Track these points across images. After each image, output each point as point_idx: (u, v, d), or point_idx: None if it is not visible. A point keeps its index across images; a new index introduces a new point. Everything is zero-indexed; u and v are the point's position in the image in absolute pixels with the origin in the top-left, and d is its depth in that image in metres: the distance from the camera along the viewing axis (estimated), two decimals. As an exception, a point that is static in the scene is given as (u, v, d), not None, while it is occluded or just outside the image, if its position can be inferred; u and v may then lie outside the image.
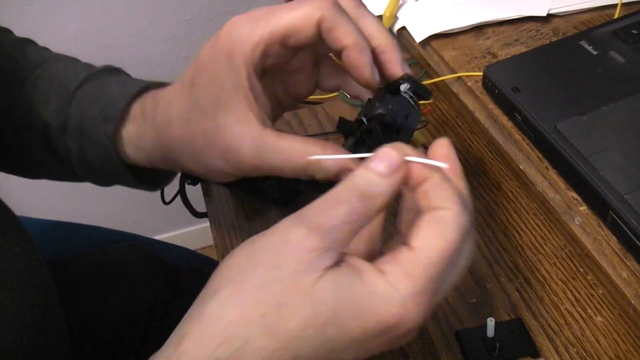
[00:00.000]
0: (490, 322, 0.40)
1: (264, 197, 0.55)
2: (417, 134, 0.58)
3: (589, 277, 0.44)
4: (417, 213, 0.32)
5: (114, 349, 0.65)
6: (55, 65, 0.51)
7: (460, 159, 0.34)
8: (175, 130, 0.41)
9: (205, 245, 1.54)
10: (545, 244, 0.47)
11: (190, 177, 0.54)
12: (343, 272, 0.30)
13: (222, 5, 1.30)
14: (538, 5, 0.61)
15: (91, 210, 1.15)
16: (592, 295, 0.43)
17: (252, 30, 0.37)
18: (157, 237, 0.86)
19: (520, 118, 0.50)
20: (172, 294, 0.69)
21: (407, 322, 0.29)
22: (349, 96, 0.62)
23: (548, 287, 0.44)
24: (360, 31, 0.37)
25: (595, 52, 0.53)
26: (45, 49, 0.54)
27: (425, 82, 0.61)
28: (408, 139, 0.38)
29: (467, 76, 0.57)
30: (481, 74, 0.55)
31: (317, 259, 0.29)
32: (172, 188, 0.57)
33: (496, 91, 0.53)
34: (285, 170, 0.39)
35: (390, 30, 0.66)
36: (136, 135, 0.45)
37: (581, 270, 0.45)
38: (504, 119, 0.53)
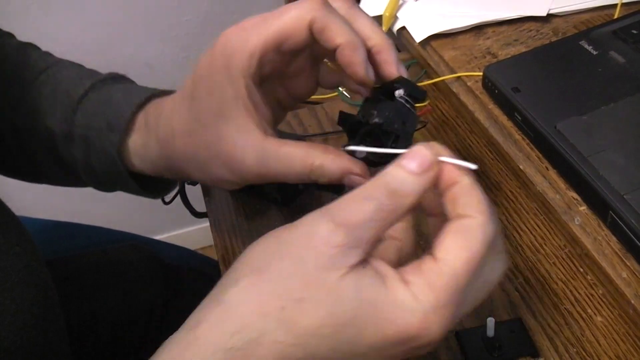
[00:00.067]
0: (490, 322, 0.40)
1: (264, 197, 0.55)
2: (417, 135, 0.58)
3: (589, 277, 0.44)
4: (442, 217, 0.31)
5: (114, 349, 0.65)
6: (59, 71, 0.51)
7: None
8: (178, 142, 0.42)
9: (205, 245, 1.53)
10: (545, 244, 0.47)
11: (190, 177, 0.55)
12: (367, 274, 0.29)
13: (223, 5, 1.30)
14: (538, 5, 0.61)
15: (91, 210, 1.15)
16: (592, 295, 0.43)
17: (246, 40, 0.38)
18: (157, 237, 0.86)
19: (520, 118, 0.50)
20: (172, 294, 0.69)
21: (428, 334, 0.29)
22: (349, 96, 0.62)
23: (548, 287, 0.44)
24: (353, 29, 0.37)
25: (595, 52, 0.53)
26: (49, 54, 0.54)
27: (425, 82, 0.61)
28: (408, 143, 0.38)
29: (467, 76, 0.57)
30: (481, 74, 0.55)
31: (341, 255, 0.29)
32: (172, 188, 0.57)
33: (496, 91, 0.53)
34: (289, 177, 0.39)
35: (390, 30, 0.66)
36: (141, 145, 0.46)
37: (581, 270, 0.45)
38: (503, 119, 0.53)
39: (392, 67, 0.39)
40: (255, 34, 0.38)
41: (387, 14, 0.65)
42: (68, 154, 0.49)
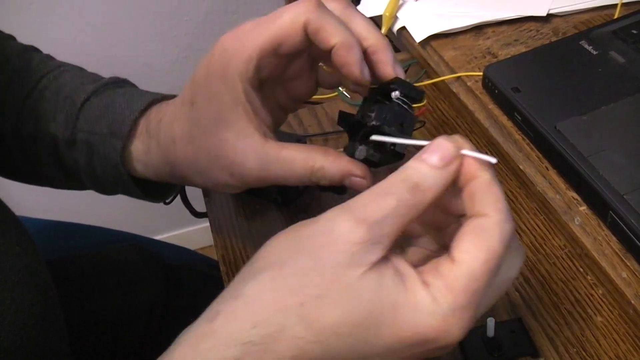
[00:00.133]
0: (490, 322, 0.40)
1: (264, 198, 0.55)
2: (416, 134, 0.58)
3: (589, 277, 0.44)
4: (459, 210, 0.31)
5: (114, 349, 0.65)
6: (61, 75, 0.51)
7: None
8: (179, 149, 0.42)
9: (205, 245, 1.53)
10: (545, 244, 0.47)
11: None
12: (387, 273, 0.29)
13: (223, 5, 1.30)
14: (538, 5, 0.61)
15: (91, 210, 1.15)
16: (592, 295, 0.43)
17: (242, 46, 0.38)
18: (157, 237, 0.86)
19: (520, 118, 0.50)
20: (172, 294, 0.69)
21: (446, 336, 0.29)
22: (348, 96, 0.62)
23: (548, 287, 0.44)
24: (348, 29, 0.37)
25: (595, 52, 0.53)
26: (50, 58, 0.54)
27: (425, 82, 0.61)
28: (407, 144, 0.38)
29: (467, 76, 0.57)
30: (481, 74, 0.55)
31: (362, 252, 0.29)
32: (172, 188, 0.56)
33: (496, 91, 0.53)
34: (290, 179, 0.39)
35: (390, 30, 0.66)
36: (143, 151, 0.46)
37: (581, 270, 0.45)
38: (504, 119, 0.53)
39: (389, 67, 0.39)
40: (250, 39, 0.38)
41: (387, 14, 0.65)
42: (70, 158, 0.49)
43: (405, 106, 0.38)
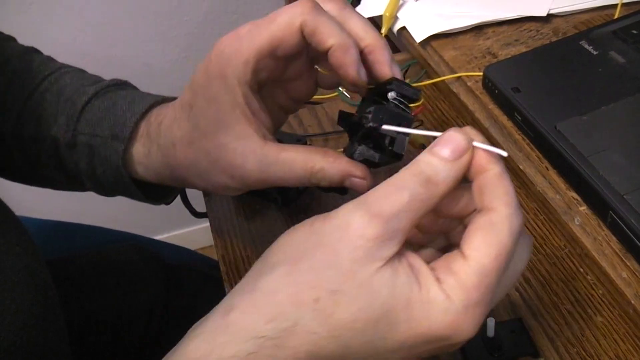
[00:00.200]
0: (490, 322, 0.40)
1: (264, 197, 0.55)
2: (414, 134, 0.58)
3: (589, 277, 0.44)
4: (469, 204, 0.31)
5: (114, 349, 0.65)
6: (62, 77, 0.51)
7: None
8: (180, 152, 0.42)
9: (205, 245, 1.53)
10: (545, 244, 0.47)
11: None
12: (401, 270, 0.29)
13: (223, 5, 1.30)
14: (538, 5, 0.61)
15: (91, 210, 1.15)
16: (592, 295, 0.43)
17: (240, 49, 0.38)
18: (157, 237, 0.86)
19: (520, 118, 0.50)
20: (172, 294, 0.69)
21: (460, 333, 0.29)
22: (348, 96, 0.62)
23: (548, 287, 0.44)
24: (344, 31, 0.37)
25: (595, 52, 0.53)
26: (51, 59, 0.54)
27: (425, 82, 0.61)
28: (405, 144, 0.38)
29: (467, 76, 0.57)
30: (481, 74, 0.55)
31: (376, 248, 0.29)
32: (172, 188, 0.56)
33: (496, 91, 0.53)
34: (290, 181, 0.39)
35: (390, 30, 0.66)
36: (143, 154, 0.46)
37: (581, 270, 0.45)
38: (504, 119, 0.53)
39: (385, 67, 0.39)
40: (247, 41, 0.38)
41: (387, 14, 0.65)
42: (71, 160, 0.49)
43: (402, 106, 0.38)
